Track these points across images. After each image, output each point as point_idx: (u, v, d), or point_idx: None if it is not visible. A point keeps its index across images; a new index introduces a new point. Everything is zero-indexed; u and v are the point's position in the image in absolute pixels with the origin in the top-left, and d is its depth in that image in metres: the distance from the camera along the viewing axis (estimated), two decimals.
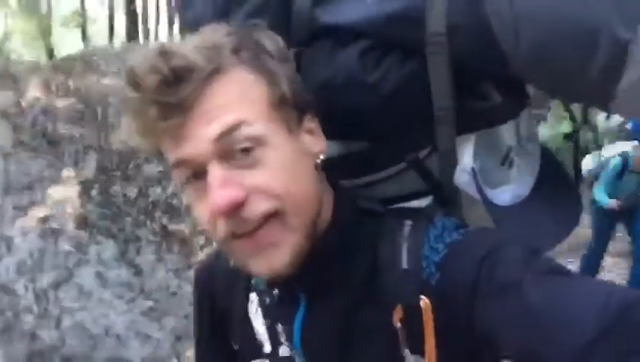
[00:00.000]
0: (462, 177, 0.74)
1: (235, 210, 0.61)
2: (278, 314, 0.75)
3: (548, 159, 0.88)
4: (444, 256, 0.64)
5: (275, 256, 0.64)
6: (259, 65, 0.64)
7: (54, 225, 3.18)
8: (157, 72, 0.58)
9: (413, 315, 0.64)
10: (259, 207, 0.62)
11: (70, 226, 3.21)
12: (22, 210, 3.30)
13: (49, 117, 3.75)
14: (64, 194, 3.38)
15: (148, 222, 3.43)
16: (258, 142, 0.62)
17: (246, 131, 0.61)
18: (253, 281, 0.76)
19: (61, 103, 3.88)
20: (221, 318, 0.84)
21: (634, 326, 0.53)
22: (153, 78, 0.58)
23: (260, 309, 0.77)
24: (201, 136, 0.60)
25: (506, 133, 0.79)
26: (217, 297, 0.84)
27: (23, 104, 3.86)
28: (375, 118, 0.72)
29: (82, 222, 3.23)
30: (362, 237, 0.71)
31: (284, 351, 0.74)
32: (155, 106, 0.59)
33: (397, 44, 0.71)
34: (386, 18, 0.70)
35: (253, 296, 0.78)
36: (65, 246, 3.10)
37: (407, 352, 0.64)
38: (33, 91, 4.02)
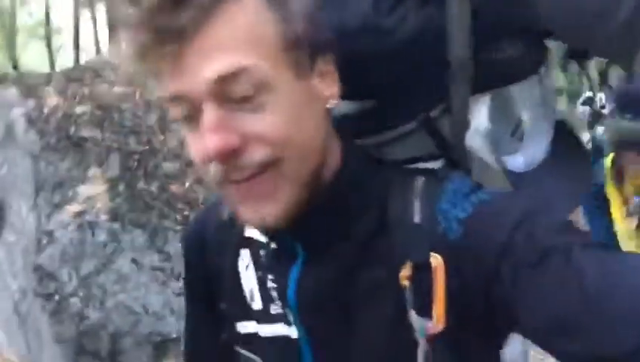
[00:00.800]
0: (475, 140, 0.70)
1: (229, 156, 0.56)
2: (273, 268, 0.69)
3: (561, 125, 0.82)
4: (471, 214, 0.59)
5: (267, 208, 0.59)
6: None
7: (89, 218, 3.51)
8: None
9: (422, 274, 0.58)
10: (256, 155, 0.57)
11: (103, 219, 3.54)
12: (55, 206, 3.62)
13: (70, 122, 4.06)
14: (93, 191, 3.71)
15: (171, 214, 3.79)
16: (261, 88, 0.56)
17: (248, 77, 0.55)
18: (248, 234, 0.72)
19: (80, 109, 4.19)
20: (210, 275, 0.78)
21: None
22: None
23: (251, 264, 0.72)
24: (197, 74, 0.54)
25: (520, 101, 0.75)
26: (207, 253, 0.78)
27: (46, 110, 4.15)
28: (388, 66, 0.67)
29: (114, 215, 3.57)
30: (372, 187, 0.66)
31: (275, 308, 0.69)
32: (151, 29, 0.53)
33: None
34: None
35: (245, 252, 0.73)
36: (101, 236, 3.43)
37: (413, 314, 0.59)
38: (52, 99, 4.32)
